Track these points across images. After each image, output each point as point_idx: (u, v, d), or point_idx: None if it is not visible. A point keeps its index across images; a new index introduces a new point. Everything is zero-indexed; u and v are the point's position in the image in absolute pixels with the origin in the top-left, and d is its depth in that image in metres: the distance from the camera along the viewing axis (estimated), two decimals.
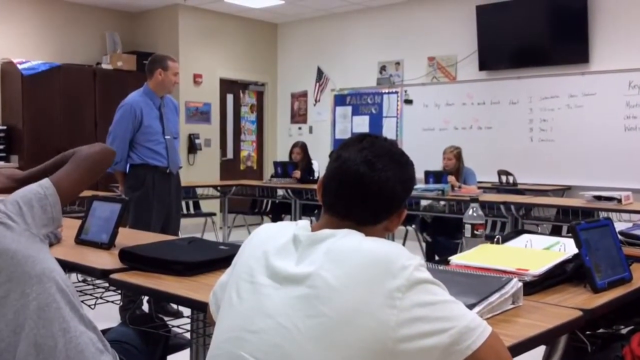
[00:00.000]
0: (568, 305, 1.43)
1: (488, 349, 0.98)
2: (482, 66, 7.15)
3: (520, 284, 1.42)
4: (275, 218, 7.03)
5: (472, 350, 0.96)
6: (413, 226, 5.79)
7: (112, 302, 2.03)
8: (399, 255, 1.01)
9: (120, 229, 2.14)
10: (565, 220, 4.89)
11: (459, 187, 5.44)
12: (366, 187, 1.10)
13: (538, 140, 6.84)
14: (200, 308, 1.46)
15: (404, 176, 1.15)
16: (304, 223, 1.15)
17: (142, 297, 2.33)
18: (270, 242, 1.12)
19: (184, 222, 7.03)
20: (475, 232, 2.00)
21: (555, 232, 5.09)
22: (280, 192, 6.86)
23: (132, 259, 1.83)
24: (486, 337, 0.98)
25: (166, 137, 3.97)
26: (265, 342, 1.00)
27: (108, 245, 2.10)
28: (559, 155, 6.67)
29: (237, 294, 1.11)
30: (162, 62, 3.96)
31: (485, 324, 1.00)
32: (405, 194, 1.16)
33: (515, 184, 6.38)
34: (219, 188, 7.09)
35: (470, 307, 1.20)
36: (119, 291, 1.93)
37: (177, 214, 4.17)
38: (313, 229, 1.12)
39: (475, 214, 2.02)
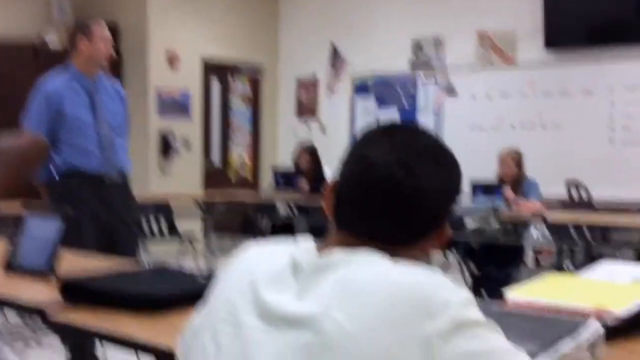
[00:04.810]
0: None
1: None
2: (549, 44, 7.15)
3: (601, 329, 1.39)
4: None
5: None
6: (455, 254, 5.77)
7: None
8: (439, 287, 0.99)
9: (64, 253, 2.18)
10: None
11: (517, 202, 5.45)
12: (402, 199, 1.09)
13: (620, 143, 6.84)
14: (168, 358, 1.44)
15: (450, 183, 1.15)
16: (307, 244, 1.13)
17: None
18: (260, 269, 1.11)
19: (154, 248, 7.09)
20: (540, 260, 2.00)
21: None
22: (282, 209, 6.86)
23: (78, 292, 1.82)
24: None
25: (101, 132, 3.90)
26: None
27: (47, 274, 2.11)
28: None
29: (213, 341, 1.09)
30: (84, 29, 3.92)
31: None
32: (449, 206, 1.15)
33: (589, 199, 6.39)
34: (201, 203, 7.09)
35: (533, 357, 1.18)
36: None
37: (130, 237, 4.09)
38: (320, 251, 1.11)
39: (540, 237, 2.03)
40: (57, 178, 3.88)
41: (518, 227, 5.18)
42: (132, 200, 4.21)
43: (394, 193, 1.08)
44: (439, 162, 1.13)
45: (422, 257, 1.16)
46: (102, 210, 3.90)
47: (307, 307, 1.00)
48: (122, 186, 4.05)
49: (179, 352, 1.25)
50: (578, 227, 4.94)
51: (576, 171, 6.76)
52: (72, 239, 3.76)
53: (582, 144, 7.00)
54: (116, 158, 3.96)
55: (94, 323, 1.68)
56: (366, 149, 1.13)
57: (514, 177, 5.70)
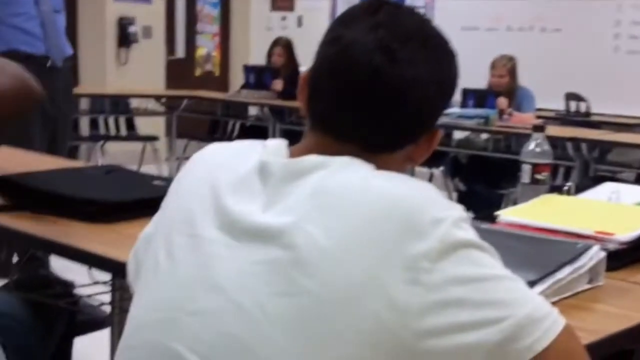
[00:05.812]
0: None
1: (559, 351, 0.95)
2: None
3: (603, 254, 1.40)
4: None
5: (534, 353, 0.93)
6: (441, 168, 5.82)
7: None
8: (429, 202, 0.96)
9: (1, 148, 2.19)
10: None
11: (510, 114, 5.43)
12: (382, 90, 1.04)
13: (625, 52, 6.88)
14: (122, 271, 1.41)
15: (443, 74, 1.09)
16: (277, 144, 1.09)
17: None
18: (223, 172, 1.07)
19: (111, 148, 7.06)
20: (537, 176, 1.98)
21: None
22: (252, 110, 6.92)
23: (16, 192, 1.79)
24: (557, 333, 0.95)
25: (42, 8, 3.79)
26: (210, 329, 0.97)
27: None
28: None
29: (167, 254, 1.06)
30: None
31: (557, 313, 0.98)
32: (442, 104, 1.10)
33: (588, 113, 6.47)
34: (163, 101, 7.09)
35: (529, 285, 1.17)
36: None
37: (65, 131, 4.03)
38: (292, 155, 1.07)
39: (539, 149, 2.00)
40: None
41: (511, 140, 5.18)
42: (73, 92, 4.13)
43: (372, 82, 1.04)
44: (429, 47, 1.08)
45: (408, 165, 1.13)
46: (47, 100, 3.83)
47: (276, 219, 0.98)
48: (67, 74, 3.97)
49: (129, 266, 1.23)
50: (576, 144, 4.98)
51: (575, 82, 6.81)
52: (15, 133, 3.69)
53: (584, 52, 7.01)
54: (59, 40, 3.88)
55: (34, 228, 1.65)
56: (343, 27, 1.08)
57: (506, 87, 5.67)
